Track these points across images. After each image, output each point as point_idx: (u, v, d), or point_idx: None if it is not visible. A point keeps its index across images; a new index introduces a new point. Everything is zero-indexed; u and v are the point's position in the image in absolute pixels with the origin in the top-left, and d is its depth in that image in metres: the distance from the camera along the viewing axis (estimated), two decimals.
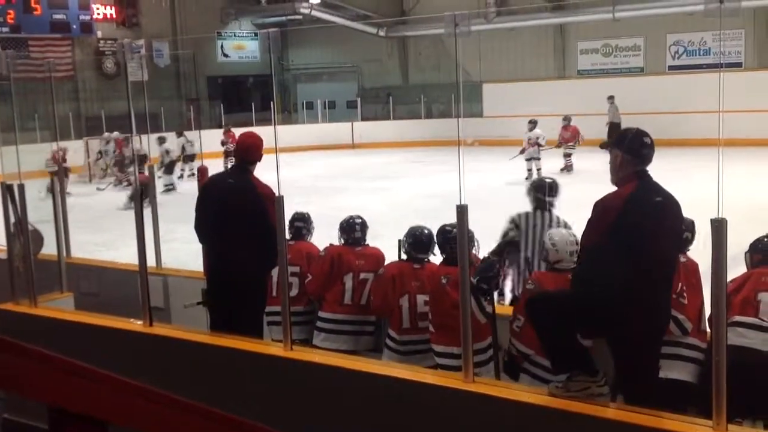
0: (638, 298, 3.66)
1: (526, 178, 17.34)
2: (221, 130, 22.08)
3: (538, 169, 17.56)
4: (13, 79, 6.12)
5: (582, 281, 3.92)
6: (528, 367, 4.44)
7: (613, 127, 20.85)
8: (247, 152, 5.33)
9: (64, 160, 16.47)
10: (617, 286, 3.64)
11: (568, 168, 18.82)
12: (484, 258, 4.70)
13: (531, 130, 18.21)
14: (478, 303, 4.50)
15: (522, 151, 18.08)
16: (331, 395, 4.28)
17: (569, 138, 18.94)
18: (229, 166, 18.56)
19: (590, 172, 15.75)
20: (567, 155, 18.92)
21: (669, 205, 3.78)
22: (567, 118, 19.39)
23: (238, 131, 16.71)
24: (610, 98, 22.42)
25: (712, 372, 3.23)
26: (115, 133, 20.38)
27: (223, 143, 20.57)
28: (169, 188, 17.79)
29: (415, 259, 5.25)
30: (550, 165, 17.86)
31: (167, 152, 18.79)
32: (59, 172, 7.41)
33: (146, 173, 17.43)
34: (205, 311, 5.66)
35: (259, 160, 5.38)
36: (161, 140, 18.93)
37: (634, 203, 3.74)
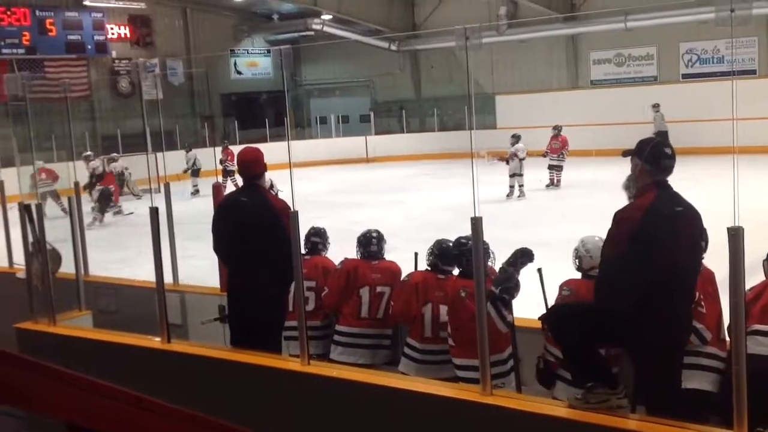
0: (658, 309, 3.64)
1: (508, 195, 16.88)
2: (236, 147, 22.09)
3: (521, 186, 17.02)
4: (29, 100, 6.19)
5: (603, 292, 3.91)
6: (563, 373, 4.42)
7: (660, 135, 20.52)
8: (250, 168, 5.35)
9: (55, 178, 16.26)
10: (637, 297, 3.63)
11: (553, 183, 18.09)
12: (501, 268, 4.70)
13: (513, 144, 17.28)
14: (498, 312, 4.50)
15: (507, 162, 17.18)
16: (348, 409, 4.28)
17: (557, 149, 18.20)
18: (229, 183, 18.76)
19: (609, 183, 15.75)
20: (552, 167, 18.15)
21: (689, 215, 3.76)
22: (557, 128, 18.65)
23: (236, 148, 16.64)
24: (655, 106, 21.82)
25: (732, 381, 3.21)
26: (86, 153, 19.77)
27: (221, 161, 20.33)
28: (117, 211, 17.39)
29: (441, 270, 5.26)
30: (532, 179, 17.48)
31: (93, 170, 18.53)
32: (77, 192, 7.44)
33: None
34: (222, 327, 5.68)
35: (265, 170, 5.40)
36: (87, 158, 18.00)
37: (653, 214, 3.72)
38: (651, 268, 3.64)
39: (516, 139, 17.42)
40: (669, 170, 3.79)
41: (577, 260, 4.68)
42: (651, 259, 3.65)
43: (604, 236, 4.45)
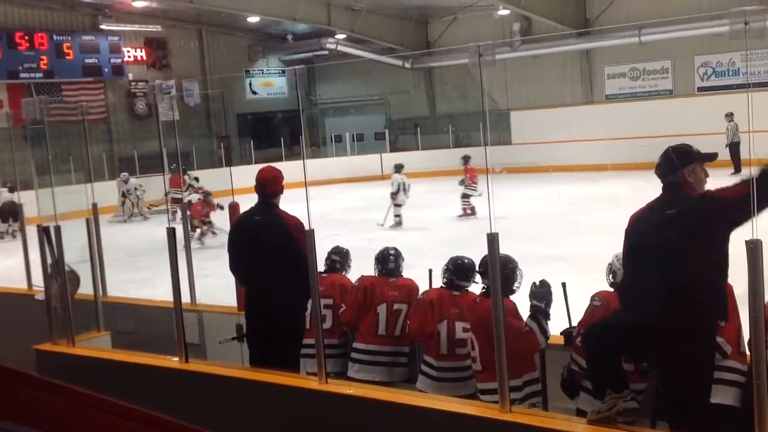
0: (659, 313, 3.66)
1: (391, 226, 16.03)
2: (253, 166, 22.07)
3: (397, 216, 16.22)
4: (47, 124, 6.25)
5: (620, 296, 4.07)
6: (588, 384, 4.39)
7: (732, 147, 19.27)
8: (266, 186, 5.36)
9: None
10: (633, 306, 3.71)
11: (465, 212, 16.88)
12: (534, 282, 4.68)
13: (396, 172, 16.47)
14: (540, 327, 4.46)
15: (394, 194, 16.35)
16: (366, 427, 4.26)
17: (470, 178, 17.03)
18: (176, 214, 18.38)
19: (625, 197, 15.66)
20: (465, 196, 16.92)
21: (685, 218, 3.71)
22: (465, 158, 17.42)
23: (252, 168, 16.40)
24: (729, 116, 20.14)
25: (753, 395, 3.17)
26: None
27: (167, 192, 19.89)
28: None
29: (456, 286, 5.23)
30: (548, 193, 17.27)
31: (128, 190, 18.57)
32: (95, 214, 7.49)
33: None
34: (240, 346, 5.68)
35: (281, 192, 5.41)
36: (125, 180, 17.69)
37: (640, 218, 3.86)
38: (637, 270, 3.80)
39: (397, 168, 16.62)
40: (660, 176, 3.86)
41: (611, 275, 4.63)
42: (634, 260, 3.81)
43: None
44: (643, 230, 3.81)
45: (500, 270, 4.01)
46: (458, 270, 5.24)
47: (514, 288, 4.76)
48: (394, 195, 16.23)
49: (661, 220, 3.74)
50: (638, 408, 3.80)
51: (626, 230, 3.93)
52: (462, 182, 17.05)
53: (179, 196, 18.92)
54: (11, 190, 18.36)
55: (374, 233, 14.07)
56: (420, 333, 5.23)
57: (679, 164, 3.80)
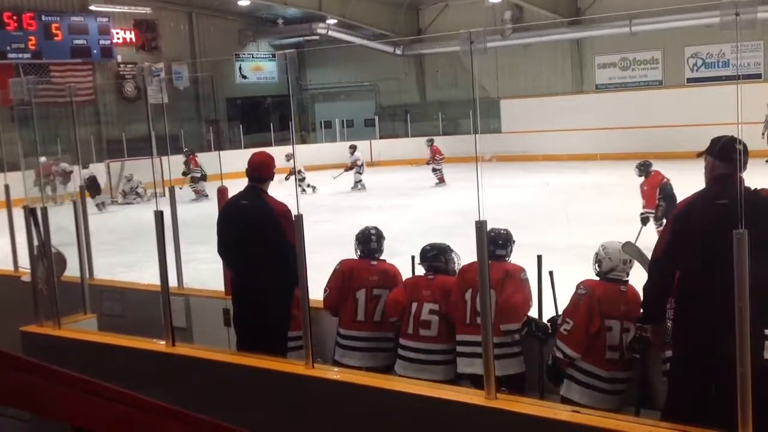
0: (690, 303, 3.68)
1: (353, 188, 20.68)
2: (241, 151, 22.04)
3: (358, 182, 20.94)
4: (35, 105, 6.20)
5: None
6: (572, 372, 4.44)
7: None
8: (255, 170, 5.35)
9: None
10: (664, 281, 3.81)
11: (440, 180, 20.95)
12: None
13: (352, 154, 21.14)
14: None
15: (347, 169, 21.23)
16: (352, 412, 4.27)
17: (431, 157, 21.45)
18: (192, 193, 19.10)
19: (613, 186, 15.73)
20: (435, 170, 21.11)
21: (732, 208, 3.70)
22: (430, 140, 22.26)
23: (241, 152, 16.57)
24: None
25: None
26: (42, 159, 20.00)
27: (185, 174, 20.40)
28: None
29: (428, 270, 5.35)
30: (535, 182, 17.68)
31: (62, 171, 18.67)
32: (82, 196, 7.45)
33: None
34: (227, 330, 5.68)
35: (271, 178, 5.41)
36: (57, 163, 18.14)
37: (692, 207, 3.84)
38: (678, 257, 3.81)
39: (353, 149, 21.29)
40: (735, 164, 3.69)
41: (597, 264, 4.68)
42: (678, 248, 3.80)
43: (615, 239, 4.55)
44: (695, 215, 3.78)
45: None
46: (422, 256, 5.42)
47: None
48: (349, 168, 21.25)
49: (711, 207, 3.69)
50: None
51: (677, 210, 3.96)
52: (433, 160, 21.24)
53: (198, 174, 19.50)
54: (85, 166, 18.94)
55: (363, 219, 14.05)
56: (394, 305, 5.28)
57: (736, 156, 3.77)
